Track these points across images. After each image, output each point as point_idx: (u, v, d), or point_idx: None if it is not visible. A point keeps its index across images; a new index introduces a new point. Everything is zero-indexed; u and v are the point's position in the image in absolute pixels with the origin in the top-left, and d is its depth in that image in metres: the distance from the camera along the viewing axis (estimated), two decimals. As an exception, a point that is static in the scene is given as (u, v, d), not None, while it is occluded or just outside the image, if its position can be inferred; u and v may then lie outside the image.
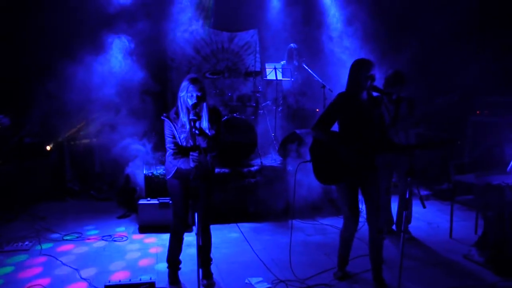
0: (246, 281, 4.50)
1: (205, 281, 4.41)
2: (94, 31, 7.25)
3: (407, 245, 5.57)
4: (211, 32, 9.21)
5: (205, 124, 4.08)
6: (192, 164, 4.04)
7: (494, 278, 4.64)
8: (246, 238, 5.45)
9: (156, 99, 7.77)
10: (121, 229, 6.16)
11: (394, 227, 5.95)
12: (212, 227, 5.88)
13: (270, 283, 4.43)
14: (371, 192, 4.23)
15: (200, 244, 3.71)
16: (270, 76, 7.77)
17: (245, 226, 6.27)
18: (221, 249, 5.36)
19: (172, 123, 4.09)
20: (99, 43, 7.23)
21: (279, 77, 7.67)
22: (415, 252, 5.41)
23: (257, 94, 7.78)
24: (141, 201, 6.18)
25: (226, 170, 6.72)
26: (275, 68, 7.64)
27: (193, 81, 4.01)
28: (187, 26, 8.89)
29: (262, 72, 8.23)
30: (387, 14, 8.50)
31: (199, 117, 3.93)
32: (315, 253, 5.32)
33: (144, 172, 6.63)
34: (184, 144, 4.10)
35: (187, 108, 4.02)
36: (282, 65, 7.95)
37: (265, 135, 7.96)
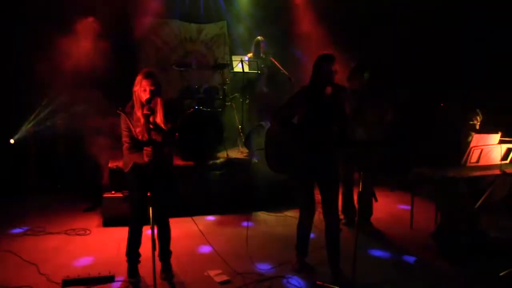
0: (205, 273, 4.53)
1: (163, 274, 4.43)
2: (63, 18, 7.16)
3: (368, 237, 5.70)
4: (180, 23, 9.16)
5: (160, 118, 4.08)
6: (146, 159, 4.04)
7: (448, 267, 4.77)
8: (202, 231, 5.48)
9: (123, 91, 7.70)
10: (85, 223, 6.12)
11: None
12: (175, 220, 5.88)
13: (229, 276, 4.47)
14: (326, 184, 4.28)
15: (154, 237, 3.73)
16: (237, 68, 7.78)
17: (210, 219, 6.32)
18: (183, 242, 5.37)
19: (128, 117, 4.08)
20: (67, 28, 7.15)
21: (246, 69, 7.68)
22: (376, 243, 5.50)
23: (224, 87, 7.78)
24: (105, 194, 6.16)
25: (191, 163, 6.72)
26: (241, 61, 7.64)
27: (146, 76, 4.01)
28: (155, 17, 8.84)
29: (230, 64, 8.24)
30: (357, 7, 8.57)
31: (152, 112, 3.92)
32: (277, 245, 5.37)
33: (109, 165, 6.59)
34: (140, 138, 4.09)
35: (141, 103, 4.02)
36: (248, 57, 7.95)
37: (233, 128, 7.97)
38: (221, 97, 7.81)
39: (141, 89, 4.01)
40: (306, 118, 4.22)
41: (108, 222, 6.02)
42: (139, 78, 4.04)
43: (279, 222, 6.21)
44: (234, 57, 8.00)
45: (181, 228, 5.75)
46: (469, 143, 4.97)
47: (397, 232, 5.88)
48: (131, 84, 4.14)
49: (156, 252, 4.38)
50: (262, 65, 8.07)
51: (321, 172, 4.28)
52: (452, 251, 4.91)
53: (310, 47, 8.55)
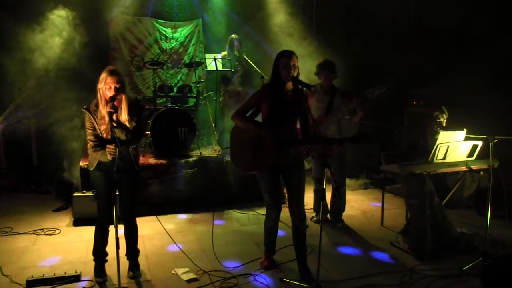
0: (173, 272, 4.52)
1: (131, 273, 4.40)
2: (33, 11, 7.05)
3: (339, 234, 5.74)
4: (154, 21, 9.11)
5: (124, 116, 4.05)
6: (109, 157, 4.02)
7: (415, 263, 4.81)
8: (174, 230, 5.46)
9: (96, 89, 7.62)
10: (55, 223, 6.05)
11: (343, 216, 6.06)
12: (147, 218, 5.92)
13: (197, 274, 4.46)
14: (292, 181, 4.29)
15: (117, 236, 3.71)
16: (210, 66, 7.76)
17: (182, 217, 6.29)
18: (154, 241, 5.35)
19: (92, 115, 4.04)
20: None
21: (220, 67, 7.66)
22: (346, 240, 5.54)
23: (198, 85, 7.76)
24: (75, 194, 6.10)
25: (164, 161, 6.69)
26: (215, 59, 7.62)
27: (111, 73, 3.98)
28: (129, 15, 8.78)
29: (204, 63, 8.22)
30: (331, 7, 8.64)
31: (115, 110, 3.90)
32: (247, 242, 5.37)
33: (80, 164, 6.53)
34: (105, 136, 4.06)
35: (106, 100, 3.99)
36: (222, 55, 7.94)
37: (206, 126, 7.96)
38: (195, 95, 7.78)
39: (106, 86, 3.98)
40: (269, 114, 4.22)
41: (79, 221, 5.96)
42: (103, 75, 4.01)
43: (251, 220, 6.21)
44: (207, 55, 7.99)
45: (152, 227, 5.74)
46: (436, 140, 5.02)
47: (368, 229, 5.93)
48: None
49: (125, 251, 4.40)
50: (236, 63, 8.07)
51: (286, 169, 4.29)
52: (419, 248, 4.95)
53: (285, 44, 8.56)
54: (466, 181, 6.64)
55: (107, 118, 3.91)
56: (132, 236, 4.45)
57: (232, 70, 7.92)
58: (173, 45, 9.28)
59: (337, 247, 5.30)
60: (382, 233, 5.78)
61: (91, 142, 4.09)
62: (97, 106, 4.07)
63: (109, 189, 4.18)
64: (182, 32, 9.34)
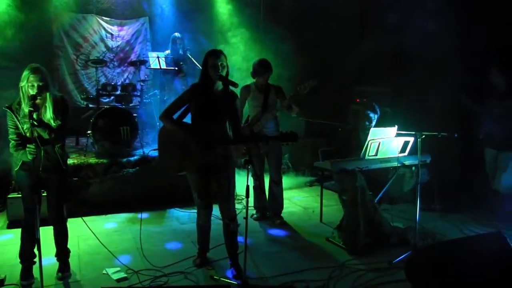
0: (104, 271, 4.47)
1: (59, 274, 4.34)
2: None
3: (276, 230, 5.79)
4: (99, 19, 8.99)
5: (49, 115, 3.98)
6: (29, 156, 3.94)
7: (348, 257, 4.90)
8: (114, 229, 5.40)
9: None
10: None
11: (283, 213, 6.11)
12: (86, 218, 5.80)
13: (127, 273, 4.43)
14: (221, 180, 4.30)
15: (38, 237, 3.65)
16: (154, 65, 7.71)
17: (121, 217, 6.23)
18: (89, 240, 5.24)
19: (14, 114, 3.96)
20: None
21: (163, 66, 7.62)
22: (281, 237, 5.60)
23: (142, 83, 7.70)
24: (10, 195, 5.95)
25: (105, 160, 6.61)
26: (158, 57, 7.58)
27: (33, 71, 3.90)
28: (74, 12, 8.64)
29: (148, 61, 8.17)
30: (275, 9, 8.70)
31: (36, 108, 3.83)
32: (185, 240, 5.37)
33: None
34: (28, 135, 3.98)
35: (29, 98, 3.91)
36: (166, 54, 7.90)
37: (151, 125, 7.91)
38: (139, 94, 7.72)
39: (28, 84, 3.90)
40: (197, 113, 4.22)
41: (14, 223, 5.80)
42: (25, 73, 3.92)
43: (191, 218, 6.18)
44: (150, 54, 7.94)
45: (90, 227, 5.66)
46: (367, 136, 5.11)
47: (307, 225, 6.01)
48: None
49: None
50: (181, 63, 8.04)
51: (215, 168, 4.29)
52: (352, 243, 5.04)
53: (231, 43, 8.61)
54: (406, 176, 6.78)
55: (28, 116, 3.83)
56: (61, 236, 4.38)
57: (176, 68, 7.88)
58: (119, 43, 9.18)
59: (271, 243, 5.36)
60: (320, 229, 5.85)
61: (12, 141, 4.00)
62: (19, 104, 3.98)
63: (34, 189, 4.08)
64: (129, 30, 9.25)
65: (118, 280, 4.29)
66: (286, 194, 7.31)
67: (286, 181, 7.96)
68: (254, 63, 5.66)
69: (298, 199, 7.24)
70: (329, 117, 8.15)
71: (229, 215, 4.34)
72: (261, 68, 5.64)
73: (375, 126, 5.66)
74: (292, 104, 5.41)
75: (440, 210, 6.58)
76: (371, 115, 5.70)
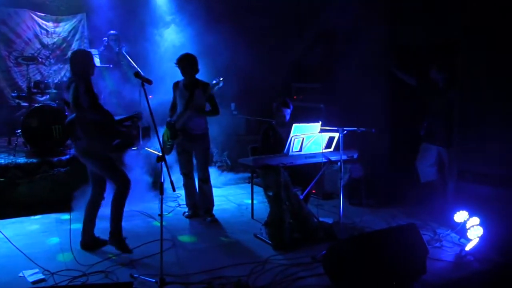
0: (20, 274, 4.37)
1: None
2: None
3: (205, 228, 5.80)
4: (33, 14, 8.74)
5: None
6: None
7: (273, 253, 4.96)
8: (43, 229, 5.28)
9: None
10: None
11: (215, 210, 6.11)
12: (13, 220, 5.69)
13: (45, 275, 4.34)
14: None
15: None
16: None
17: (51, 217, 6.11)
18: (9, 243, 5.08)
19: None
20: None
21: (97, 63, 7.49)
22: (209, 234, 5.61)
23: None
24: None
25: (34, 160, 6.46)
26: (93, 55, 7.43)
27: None
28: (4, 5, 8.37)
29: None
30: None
31: None
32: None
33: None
34: None
35: None
36: (99, 51, 7.78)
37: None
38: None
39: None
40: None
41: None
42: None
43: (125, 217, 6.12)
44: (87, 51, 7.78)
45: (15, 228, 5.57)
46: (288, 132, 5.16)
47: (238, 221, 6.06)
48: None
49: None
50: (122, 62, 7.94)
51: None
52: (278, 238, 5.09)
53: (169, 39, 8.57)
54: (340, 171, 6.90)
55: None
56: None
57: (111, 66, 7.77)
58: (55, 40, 8.96)
59: (199, 241, 5.37)
60: (250, 225, 5.88)
61: None
62: None
63: None
64: (65, 26, 9.04)
65: (34, 282, 4.20)
66: (223, 191, 7.39)
67: (225, 178, 8.04)
68: (178, 59, 5.64)
69: (233, 196, 7.26)
70: (269, 114, 8.20)
71: None
72: (178, 63, 5.65)
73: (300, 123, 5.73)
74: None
75: (372, 204, 6.74)
76: (284, 110, 5.77)
